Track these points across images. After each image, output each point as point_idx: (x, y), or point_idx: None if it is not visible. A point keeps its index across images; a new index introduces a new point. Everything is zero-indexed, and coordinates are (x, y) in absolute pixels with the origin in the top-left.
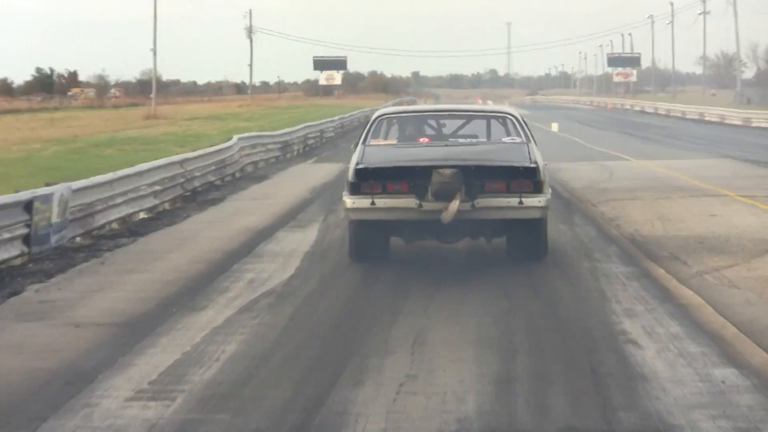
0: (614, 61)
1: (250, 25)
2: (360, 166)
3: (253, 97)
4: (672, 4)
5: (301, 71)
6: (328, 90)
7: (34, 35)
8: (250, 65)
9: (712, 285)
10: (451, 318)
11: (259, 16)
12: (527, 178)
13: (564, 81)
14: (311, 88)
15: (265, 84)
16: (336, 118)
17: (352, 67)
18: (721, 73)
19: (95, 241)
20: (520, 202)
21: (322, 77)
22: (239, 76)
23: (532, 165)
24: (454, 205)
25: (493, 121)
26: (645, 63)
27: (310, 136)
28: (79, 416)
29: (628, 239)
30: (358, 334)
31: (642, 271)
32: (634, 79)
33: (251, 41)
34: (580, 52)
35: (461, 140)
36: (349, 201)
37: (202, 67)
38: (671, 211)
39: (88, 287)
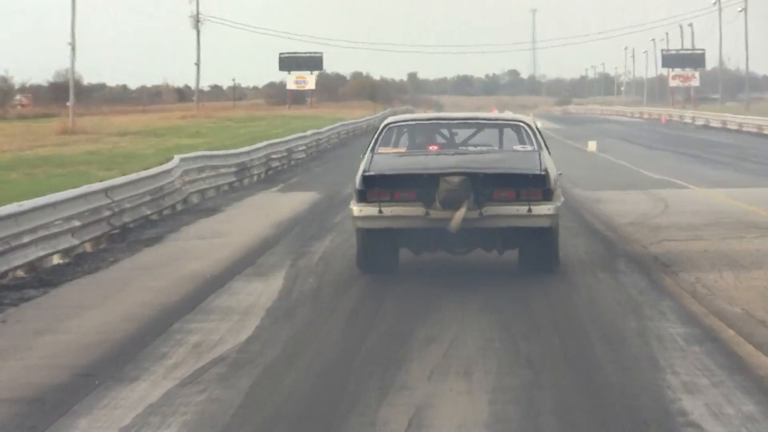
0: (671, 59)
1: (197, 12)
2: (367, 174)
3: (200, 106)
4: None
5: (264, 72)
6: (298, 97)
7: None
8: (197, 64)
9: None
10: (458, 392)
11: (209, 1)
12: (536, 186)
13: (605, 86)
14: (277, 94)
15: (216, 89)
16: (309, 133)
17: (329, 67)
18: None
19: None
20: (529, 210)
21: (291, 80)
22: (183, 78)
23: (541, 172)
24: (460, 213)
25: (506, 130)
26: (710, 63)
27: (274, 156)
28: None
29: (688, 292)
30: (336, 416)
31: (706, 333)
32: (696, 83)
33: (198, 33)
34: (626, 48)
35: (471, 148)
36: (356, 209)
37: (135, 68)
38: (744, 255)
39: None
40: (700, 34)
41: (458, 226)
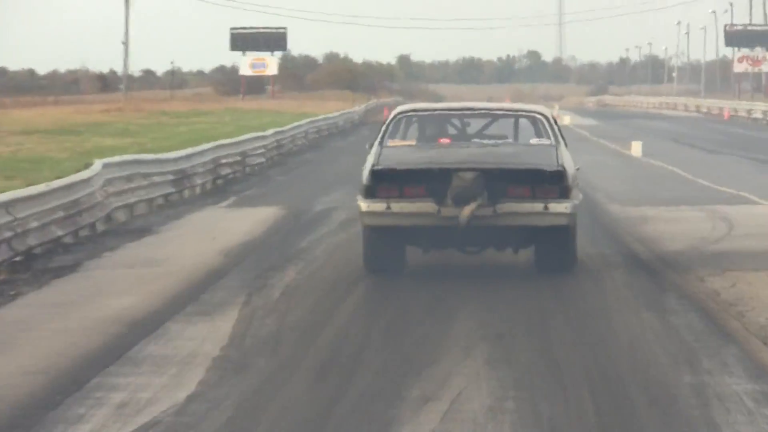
0: (736, 37)
1: None
2: (376, 168)
3: (129, 97)
4: None
5: (211, 54)
6: (255, 85)
7: None
8: (125, 43)
9: None
10: None
11: None
12: (553, 183)
13: (653, 71)
14: (228, 82)
15: (149, 75)
16: (269, 132)
17: (296, 47)
18: None
19: None
20: (545, 208)
21: (246, 63)
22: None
23: (558, 168)
24: (472, 206)
25: (522, 121)
26: None
27: (224, 162)
28: None
29: (759, 337)
30: None
31: None
32: None
33: (127, 3)
34: (678, 23)
35: (485, 141)
36: (363, 205)
37: (45, 49)
38: None
39: None
40: None
41: (469, 216)
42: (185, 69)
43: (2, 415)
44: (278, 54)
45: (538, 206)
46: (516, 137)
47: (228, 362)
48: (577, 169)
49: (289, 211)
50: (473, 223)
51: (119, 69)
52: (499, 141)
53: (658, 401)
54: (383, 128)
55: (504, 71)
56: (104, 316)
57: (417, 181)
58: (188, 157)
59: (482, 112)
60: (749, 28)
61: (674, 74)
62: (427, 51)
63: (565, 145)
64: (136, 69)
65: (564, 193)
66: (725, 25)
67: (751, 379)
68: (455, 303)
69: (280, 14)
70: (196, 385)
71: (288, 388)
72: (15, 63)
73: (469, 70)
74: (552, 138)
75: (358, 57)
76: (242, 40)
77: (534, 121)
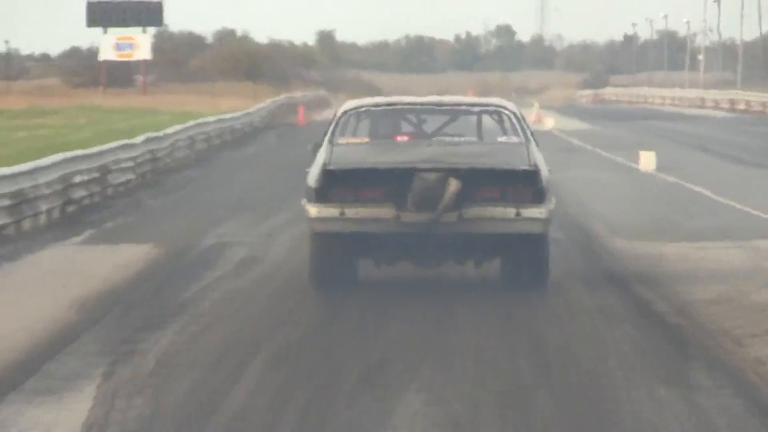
0: None
1: None
2: (329, 168)
3: None
4: None
5: (62, 32)
6: (121, 73)
7: None
8: None
9: None
10: None
11: None
12: (526, 185)
13: (670, 54)
14: (84, 70)
15: None
16: (140, 140)
17: (176, 22)
18: None
19: None
20: (518, 214)
21: (108, 44)
22: None
23: (531, 168)
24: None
25: (486, 117)
26: None
27: (77, 181)
28: None
29: None
30: None
31: None
32: None
33: None
34: None
35: (447, 139)
36: (313, 210)
37: None
38: None
39: None
40: None
41: (449, 201)
42: (25, 52)
43: None
44: (152, 31)
45: (510, 211)
46: (480, 135)
47: None
48: (550, 171)
49: (166, 248)
50: (435, 231)
51: None
52: (463, 139)
53: None
54: (332, 125)
55: (465, 55)
56: None
57: (375, 183)
58: (29, 173)
59: (442, 107)
60: None
61: (700, 58)
62: (357, 27)
63: (536, 144)
64: None
65: (538, 197)
66: None
67: None
68: (399, 371)
69: None
70: None
71: None
72: None
73: (417, 54)
74: (521, 135)
75: (261, 35)
76: (103, 13)
77: (499, 117)
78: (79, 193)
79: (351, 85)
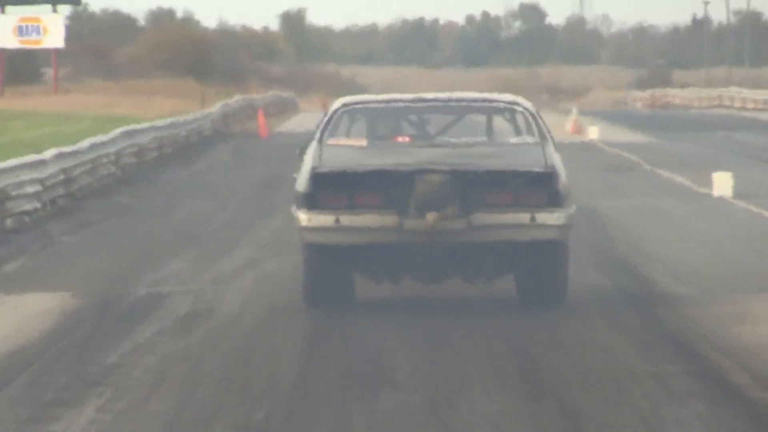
0: None
1: None
2: (319, 170)
3: None
4: None
5: None
6: (25, 66)
7: None
8: None
9: None
10: None
11: None
12: (541, 188)
13: (753, 43)
14: None
15: None
16: (49, 155)
17: (97, 1)
18: None
19: None
20: (532, 219)
21: (8, 28)
22: None
23: (548, 170)
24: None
25: (497, 117)
26: None
27: None
28: None
29: None
30: None
31: None
32: None
33: None
34: None
35: (453, 140)
36: (304, 218)
37: None
38: None
39: None
40: None
41: (433, 224)
42: None
43: None
44: (65, 10)
45: (524, 217)
46: (490, 136)
47: None
48: (566, 174)
49: (86, 299)
50: (441, 240)
51: None
52: (470, 140)
53: None
54: (322, 124)
55: (479, 44)
56: None
57: (372, 187)
58: None
59: (447, 104)
60: None
61: None
62: (334, 8)
63: (554, 144)
64: None
65: (555, 201)
66: None
67: None
68: None
69: None
70: None
71: None
72: None
73: (415, 43)
74: (536, 135)
75: (209, 18)
76: None
77: (512, 116)
78: None
79: (326, 82)
